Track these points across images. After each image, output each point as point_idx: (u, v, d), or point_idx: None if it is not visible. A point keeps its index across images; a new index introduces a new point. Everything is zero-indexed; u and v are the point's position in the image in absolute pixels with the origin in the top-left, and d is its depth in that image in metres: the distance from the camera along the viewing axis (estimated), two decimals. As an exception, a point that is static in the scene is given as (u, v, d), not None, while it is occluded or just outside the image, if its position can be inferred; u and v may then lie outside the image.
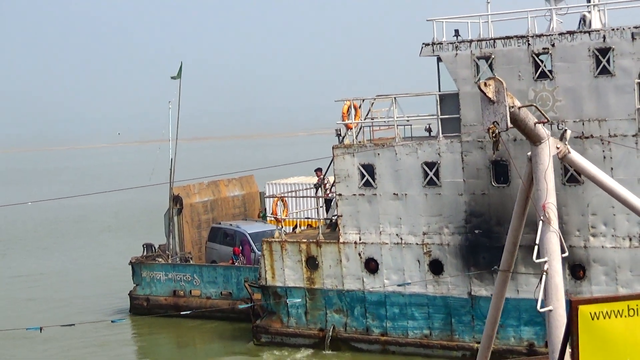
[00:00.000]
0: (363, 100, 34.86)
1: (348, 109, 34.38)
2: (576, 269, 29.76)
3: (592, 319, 10.22)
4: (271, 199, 39.55)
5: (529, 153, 13.46)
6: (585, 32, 29.56)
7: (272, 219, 38.91)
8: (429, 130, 33.98)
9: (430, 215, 32.05)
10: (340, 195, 33.63)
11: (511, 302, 29.39)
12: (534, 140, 13.26)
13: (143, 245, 44.91)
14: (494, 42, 30.73)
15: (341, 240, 33.67)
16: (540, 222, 13.20)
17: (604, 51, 29.13)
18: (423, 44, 31.80)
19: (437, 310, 32.32)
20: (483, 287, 31.39)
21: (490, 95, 12.60)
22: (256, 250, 40.61)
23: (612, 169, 28.53)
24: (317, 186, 39.35)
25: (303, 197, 42.63)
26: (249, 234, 42.46)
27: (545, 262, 13.19)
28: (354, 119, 34.42)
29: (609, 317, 10.27)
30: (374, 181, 32.97)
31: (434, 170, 31.91)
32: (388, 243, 32.80)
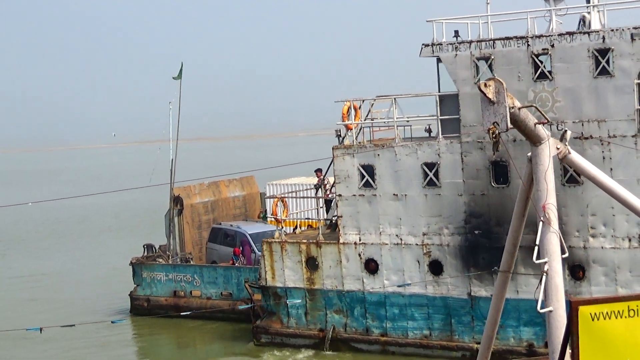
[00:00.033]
0: (363, 101, 34.90)
1: (348, 110, 34.42)
2: (576, 270, 29.80)
3: (593, 320, 10.21)
4: (271, 199, 39.59)
5: (529, 154, 13.45)
6: (584, 33, 29.59)
7: (272, 219, 38.95)
8: (429, 131, 34.02)
9: (430, 216, 32.09)
10: (340, 195, 33.67)
11: (511, 303, 29.43)
12: (534, 140, 13.23)
13: (144, 246, 44.96)
14: (494, 42, 30.77)
15: (341, 240, 33.72)
16: (540, 223, 13.16)
17: (604, 52, 29.16)
18: (423, 44, 31.85)
19: (437, 311, 32.36)
20: (483, 288, 31.43)
21: (490, 95, 12.56)
22: (256, 251, 40.65)
23: (611, 169, 28.57)
24: (317, 187, 39.38)
25: (303, 197, 42.67)
26: (249, 234, 42.50)
27: (545, 262, 13.15)
28: (354, 119, 34.47)
29: (609, 318, 10.26)
30: (373, 182, 33.01)
31: (433, 170, 31.95)
32: (388, 244, 32.84)
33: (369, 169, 33.10)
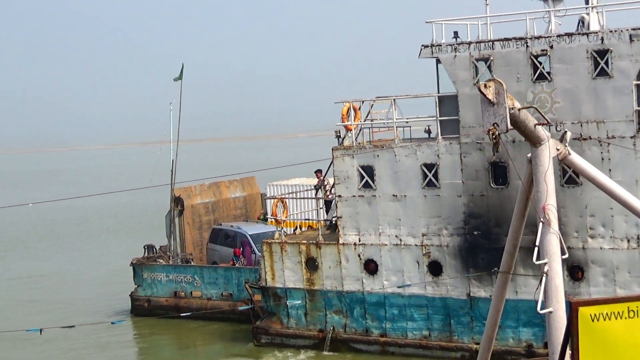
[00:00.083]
0: (362, 102, 34.96)
1: (348, 111, 34.48)
2: (575, 270, 29.86)
3: (592, 321, 10.18)
4: (272, 200, 39.64)
5: (529, 155, 13.44)
6: (583, 34, 29.65)
7: (273, 220, 39.00)
8: (429, 131, 34.08)
9: (430, 217, 32.15)
10: (339, 196, 33.74)
11: (510, 303, 29.47)
12: (534, 141, 13.21)
13: (144, 247, 45.02)
14: (493, 43, 30.83)
15: (341, 241, 33.78)
16: (540, 224, 13.12)
17: (602, 53, 29.22)
18: (422, 45, 31.90)
19: (436, 312, 32.42)
20: (482, 288, 31.49)
21: (490, 96, 12.51)
22: (257, 252, 40.69)
23: (610, 170, 28.62)
24: (317, 187, 39.44)
25: (303, 198, 42.73)
26: (249, 235, 42.55)
27: (545, 263, 13.13)
28: (354, 120, 34.52)
29: (609, 319, 10.22)
30: (373, 183, 33.07)
31: (433, 171, 32.01)
32: (387, 244, 32.90)
33: (368, 170, 33.16)
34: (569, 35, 29.80)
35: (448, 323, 32.32)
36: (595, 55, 29.30)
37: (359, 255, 33.47)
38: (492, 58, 30.80)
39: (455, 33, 32.30)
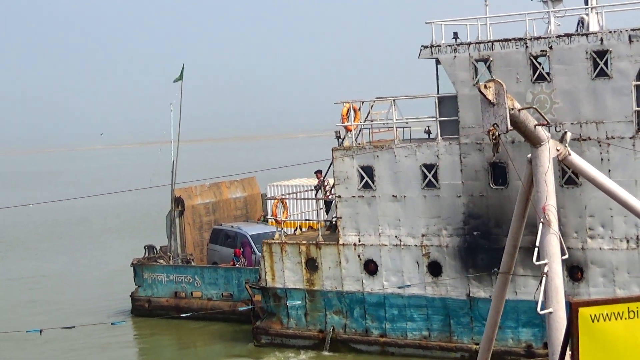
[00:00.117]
0: (362, 103, 35.01)
1: (347, 111, 34.53)
2: (574, 271, 29.91)
3: (592, 322, 10.16)
4: (272, 200, 39.68)
5: (529, 155, 13.43)
6: (582, 35, 29.71)
7: (273, 220, 39.05)
8: (429, 132, 34.13)
9: (429, 217, 32.20)
10: (339, 197, 33.79)
11: (509, 304, 29.49)
12: (534, 142, 13.20)
13: (145, 247, 45.08)
14: (492, 44, 30.88)
15: (340, 242, 33.83)
16: (540, 224, 13.11)
17: (602, 54, 29.27)
18: (422, 46, 31.95)
19: (436, 312, 32.47)
20: (481, 289, 31.54)
21: (490, 97, 12.48)
22: (257, 252, 40.74)
23: (609, 170, 28.66)
24: (317, 188, 39.49)
25: (303, 199, 42.79)
26: (250, 235, 42.61)
27: (545, 264, 13.13)
28: (354, 121, 34.57)
29: (609, 320, 10.20)
30: (373, 183, 33.13)
31: (432, 172, 32.06)
32: (387, 245, 32.96)
33: (368, 170, 33.21)
34: (569, 36, 29.85)
35: (448, 323, 32.37)
36: (595, 56, 29.35)
37: (358, 256, 33.53)
38: (491, 59, 30.85)
39: (455, 34, 32.35)
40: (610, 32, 29.25)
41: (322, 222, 36.69)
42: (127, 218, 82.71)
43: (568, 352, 10.55)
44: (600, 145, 29.19)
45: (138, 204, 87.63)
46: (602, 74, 29.28)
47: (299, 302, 34.84)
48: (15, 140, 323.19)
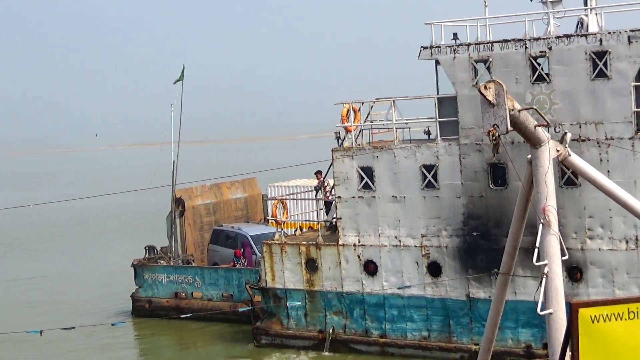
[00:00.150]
0: (362, 103, 35.05)
1: (347, 112, 34.57)
2: (573, 272, 29.95)
3: (593, 322, 10.17)
4: (273, 201, 39.72)
5: (529, 156, 13.45)
6: (582, 36, 29.74)
7: (273, 221, 39.08)
8: (428, 133, 34.17)
9: (429, 218, 32.24)
10: (339, 197, 33.84)
11: (509, 304, 29.50)
12: (534, 143, 13.23)
13: (145, 248, 45.11)
14: (492, 45, 30.92)
15: (340, 242, 33.88)
16: (540, 225, 13.14)
17: (601, 54, 29.31)
18: (421, 47, 31.99)
19: (436, 312, 32.51)
20: (481, 289, 31.58)
21: (490, 98, 12.50)
22: (257, 253, 40.79)
23: (608, 171, 28.70)
24: (317, 189, 39.54)
25: (303, 199, 42.83)
26: (250, 236, 42.64)
27: (545, 265, 13.13)
28: (353, 122, 34.62)
29: (609, 320, 10.21)
30: (372, 184, 33.17)
31: (432, 172, 32.11)
32: (387, 245, 33.00)
33: (368, 171, 33.25)
34: (568, 36, 29.89)
35: (447, 324, 32.41)
36: (594, 57, 29.39)
37: (358, 256, 33.57)
38: (491, 59, 30.89)
39: (455, 34, 32.38)
40: (609, 33, 29.30)
41: (322, 222, 36.73)
42: (128, 219, 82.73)
43: (568, 353, 10.55)
44: (599, 146, 29.23)
45: (138, 204, 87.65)
46: (602, 74, 29.32)
47: (299, 303, 34.88)
48: (15, 140, 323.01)
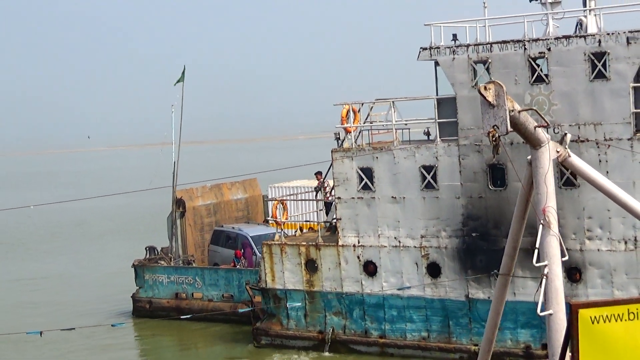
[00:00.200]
0: (362, 104, 35.12)
1: (347, 113, 34.64)
2: (572, 272, 30.01)
3: (592, 323, 10.19)
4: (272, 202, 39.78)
5: (529, 157, 13.46)
6: (580, 37, 29.81)
7: (273, 222, 39.14)
8: (428, 134, 34.23)
9: (428, 219, 32.31)
10: (339, 198, 33.90)
11: (508, 305, 29.43)
12: (534, 144, 13.23)
13: (146, 248, 45.16)
14: (491, 46, 30.98)
15: (340, 243, 33.94)
16: (540, 226, 13.14)
17: (600, 55, 29.38)
18: (421, 48, 32.05)
19: (435, 313, 32.58)
20: (480, 290, 31.65)
21: (490, 99, 12.50)
22: (258, 253, 40.85)
23: (607, 172, 28.76)
24: (317, 189, 39.60)
25: (303, 200, 42.90)
26: (250, 236, 42.71)
27: (545, 266, 13.09)
28: (353, 122, 34.68)
29: (609, 321, 10.23)
30: (372, 184, 33.23)
31: (431, 173, 32.18)
32: (386, 246, 33.06)
33: (367, 172, 33.31)
34: (567, 37, 29.96)
35: (447, 324, 32.48)
36: (593, 58, 29.45)
37: (358, 257, 33.63)
38: (490, 60, 30.96)
39: (454, 35, 32.45)
40: (608, 34, 29.36)
41: (322, 223, 36.79)
42: (128, 219, 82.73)
43: (568, 354, 10.57)
44: (598, 147, 29.29)
45: (139, 205, 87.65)
46: (600, 75, 29.39)
47: (299, 304, 34.94)
48: (16, 140, 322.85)
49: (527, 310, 30.10)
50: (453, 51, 31.57)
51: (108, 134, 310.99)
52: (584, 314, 10.22)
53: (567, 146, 13.60)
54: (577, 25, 31.73)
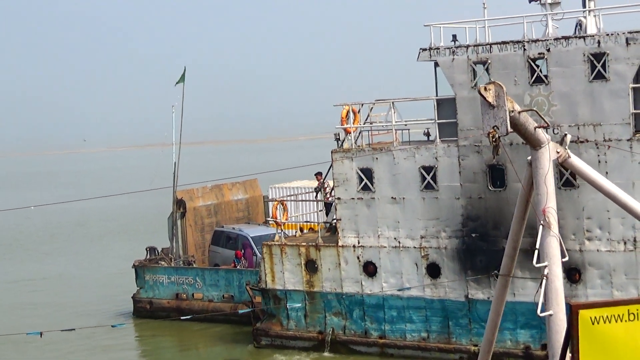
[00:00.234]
0: (362, 105, 35.16)
1: (347, 114, 34.68)
2: (572, 273, 30.04)
3: (593, 324, 10.19)
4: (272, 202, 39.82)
5: (529, 157, 13.48)
6: (580, 37, 29.85)
7: (273, 222, 39.18)
8: (428, 134, 34.27)
9: (428, 219, 32.34)
10: (339, 199, 33.95)
11: (507, 305, 29.47)
12: (534, 144, 13.25)
13: (146, 249, 45.20)
14: (490, 47, 31.02)
15: (340, 243, 33.98)
16: (540, 227, 13.17)
17: (599, 56, 29.42)
18: (420, 49, 32.10)
19: (435, 313, 32.62)
20: (480, 291, 31.69)
21: (490, 99, 12.52)
22: (258, 254, 40.89)
23: (607, 173, 28.79)
24: (317, 190, 39.64)
25: (303, 200, 42.94)
26: (251, 237, 42.75)
27: (545, 266, 13.10)
28: (353, 123, 34.72)
29: (609, 322, 10.23)
30: (372, 185, 33.27)
31: (431, 174, 32.22)
32: (386, 246, 33.10)
33: (367, 173, 33.35)
34: (566, 38, 30.00)
35: (446, 325, 32.52)
36: (592, 59, 29.49)
37: (358, 258, 33.68)
38: (489, 61, 31.00)
39: (454, 36, 32.49)
40: (607, 34, 29.40)
41: (322, 224, 36.84)
42: (128, 220, 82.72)
43: (568, 355, 10.58)
44: (597, 148, 29.33)
45: (140, 206, 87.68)
46: (600, 76, 29.42)
47: (299, 304, 34.98)
48: (16, 140, 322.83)
49: (527, 311, 30.14)
50: (453, 52, 31.61)
51: (108, 134, 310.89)
52: (584, 314, 10.22)
53: (567, 147, 13.61)
54: (576, 26, 31.76)
